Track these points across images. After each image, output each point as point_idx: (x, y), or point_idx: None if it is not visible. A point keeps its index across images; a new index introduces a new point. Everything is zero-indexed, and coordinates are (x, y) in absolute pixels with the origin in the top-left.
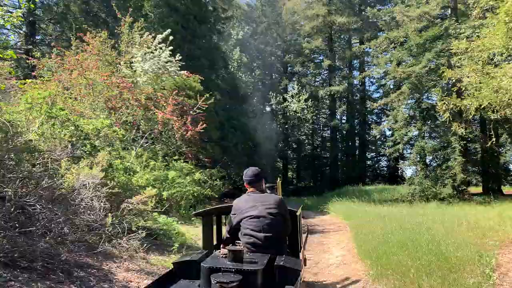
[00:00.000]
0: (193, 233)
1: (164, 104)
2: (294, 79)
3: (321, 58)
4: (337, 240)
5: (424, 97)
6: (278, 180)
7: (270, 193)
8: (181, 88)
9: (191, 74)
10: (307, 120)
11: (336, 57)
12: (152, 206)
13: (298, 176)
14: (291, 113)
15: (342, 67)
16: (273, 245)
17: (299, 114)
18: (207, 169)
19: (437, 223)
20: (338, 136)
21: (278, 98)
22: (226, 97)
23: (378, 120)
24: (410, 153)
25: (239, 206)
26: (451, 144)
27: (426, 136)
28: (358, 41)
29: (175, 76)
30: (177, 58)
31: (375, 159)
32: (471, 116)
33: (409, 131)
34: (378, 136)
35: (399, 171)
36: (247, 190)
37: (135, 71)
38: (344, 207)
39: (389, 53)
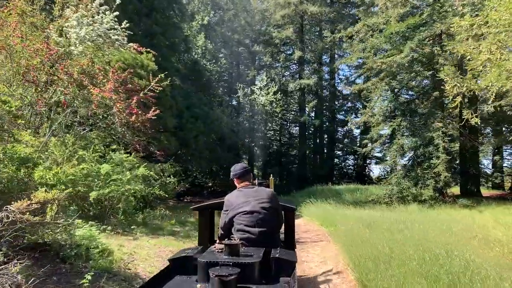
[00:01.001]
0: (130, 249)
1: (104, 81)
2: (262, 71)
3: (291, 50)
4: (320, 257)
5: (403, 91)
6: (271, 177)
7: (259, 187)
8: (131, 66)
9: (142, 48)
10: (276, 114)
11: (307, 49)
12: (52, 215)
13: (264, 173)
14: (258, 107)
15: (313, 60)
16: (267, 239)
17: (267, 108)
18: (159, 164)
19: (445, 235)
20: (307, 133)
21: (245, 90)
22: (188, 83)
23: (346, 119)
24: (381, 151)
25: (231, 202)
26: (433, 141)
27: (406, 133)
28: (329, 33)
29: (121, 49)
30: (123, 26)
31: (342, 157)
32: (490, 101)
33: (389, 126)
34: (345, 133)
35: (366, 171)
36: (235, 186)
37: (69, 39)
38: (318, 209)
39: (366, 41)
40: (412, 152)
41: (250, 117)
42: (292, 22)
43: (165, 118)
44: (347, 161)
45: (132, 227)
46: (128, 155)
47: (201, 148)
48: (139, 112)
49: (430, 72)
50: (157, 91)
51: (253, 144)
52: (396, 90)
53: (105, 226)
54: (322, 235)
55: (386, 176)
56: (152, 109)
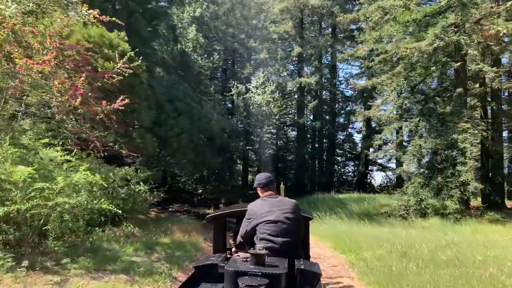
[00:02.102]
0: None
1: (41, 50)
2: (259, 68)
3: (290, 47)
4: None
5: (422, 86)
6: (282, 185)
7: (283, 197)
8: (96, 45)
9: (104, 17)
10: (273, 115)
11: (308, 45)
12: None
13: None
14: (254, 107)
15: (313, 57)
16: (290, 249)
17: (263, 108)
18: (125, 167)
19: None
20: (306, 136)
21: (240, 88)
22: (174, 76)
23: (346, 122)
24: (388, 157)
25: (254, 211)
26: (456, 144)
27: (424, 134)
28: (331, 29)
29: (81, 21)
30: None
31: (341, 163)
32: None
33: (405, 126)
34: (345, 138)
35: (368, 178)
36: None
37: None
38: (326, 225)
39: (381, 29)
40: (430, 156)
41: (245, 117)
42: (292, 17)
43: (139, 111)
44: (346, 167)
45: (64, 260)
46: (68, 153)
47: (185, 148)
48: (89, 94)
49: (458, 64)
50: (126, 74)
51: (248, 148)
52: (413, 85)
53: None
54: (340, 267)
55: (389, 185)
56: (121, 98)
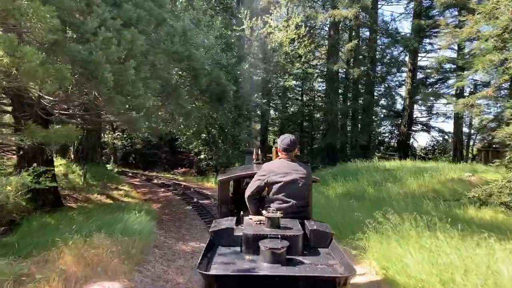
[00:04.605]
0: None
1: None
2: None
3: None
4: None
5: None
6: (274, 147)
7: (298, 162)
8: None
9: None
10: (298, 58)
11: None
12: None
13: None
14: (275, 45)
15: None
16: (303, 211)
17: (286, 48)
18: None
19: None
20: (339, 88)
21: (255, 20)
22: None
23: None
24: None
25: (271, 169)
26: None
27: None
28: None
29: None
30: None
31: (378, 122)
32: None
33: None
34: (384, 92)
35: (411, 140)
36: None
37: None
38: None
39: None
40: None
41: (262, 60)
42: None
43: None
44: (382, 127)
45: None
46: None
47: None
48: None
49: None
50: None
51: (265, 101)
52: None
53: None
54: None
55: (435, 148)
56: None
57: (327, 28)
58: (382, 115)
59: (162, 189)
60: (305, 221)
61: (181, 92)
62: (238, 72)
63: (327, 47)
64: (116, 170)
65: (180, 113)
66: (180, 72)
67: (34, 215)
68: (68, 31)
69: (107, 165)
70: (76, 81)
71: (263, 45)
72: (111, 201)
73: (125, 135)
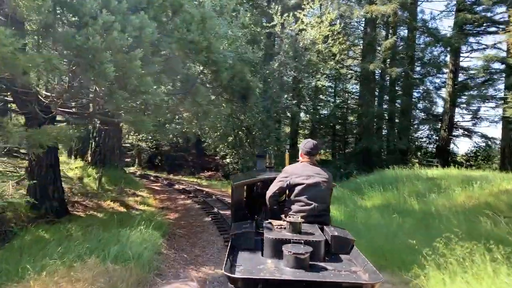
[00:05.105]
0: None
1: None
2: None
3: None
4: None
5: None
6: (287, 152)
7: (320, 166)
8: None
9: None
10: (331, 56)
11: None
12: None
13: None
14: (306, 43)
15: None
16: (324, 215)
17: (319, 46)
18: None
19: None
20: (375, 88)
21: (287, 17)
22: None
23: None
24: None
25: (294, 171)
26: None
27: None
28: None
29: None
30: None
31: (415, 126)
32: None
33: None
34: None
35: (451, 146)
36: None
37: None
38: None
39: None
40: None
41: (293, 59)
42: None
43: None
44: (419, 131)
45: None
46: None
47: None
48: None
49: None
50: None
51: (294, 101)
52: None
53: None
54: None
55: (478, 155)
56: None
57: (362, 26)
58: (419, 119)
59: (182, 196)
60: (324, 226)
61: (199, 89)
62: (267, 72)
63: (362, 45)
64: (139, 173)
65: (197, 112)
66: (198, 66)
67: (31, 227)
68: (64, 12)
69: (130, 168)
70: (72, 73)
71: (294, 42)
72: (124, 209)
73: (149, 137)
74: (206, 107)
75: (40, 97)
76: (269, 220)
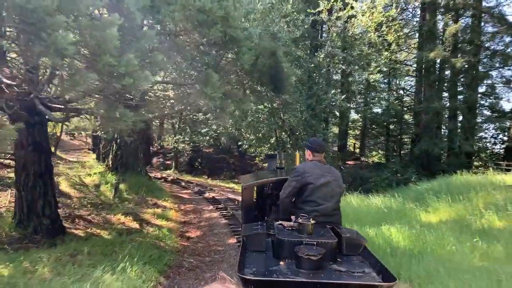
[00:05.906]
0: None
1: None
2: None
3: None
4: None
5: None
6: (297, 152)
7: (329, 165)
8: None
9: None
10: (385, 46)
11: None
12: None
13: (362, 147)
14: (355, 31)
15: None
16: (336, 214)
17: (371, 35)
18: None
19: None
20: (435, 82)
21: (334, 1)
22: None
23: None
24: None
25: (306, 170)
26: None
27: None
28: None
29: None
30: None
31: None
32: None
33: None
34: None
35: None
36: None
37: None
38: None
39: None
40: None
41: (340, 49)
42: None
43: None
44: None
45: None
46: None
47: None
48: None
49: None
50: None
51: (343, 96)
52: None
53: None
54: None
55: None
56: None
57: (417, 17)
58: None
59: (210, 207)
60: (336, 227)
61: (209, 74)
62: (312, 65)
63: (417, 36)
64: (171, 178)
65: (207, 105)
66: (212, 43)
67: (4, 254)
68: None
69: (167, 171)
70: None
71: (343, 31)
72: (137, 225)
73: (186, 138)
74: (220, 101)
75: None
76: (280, 221)
